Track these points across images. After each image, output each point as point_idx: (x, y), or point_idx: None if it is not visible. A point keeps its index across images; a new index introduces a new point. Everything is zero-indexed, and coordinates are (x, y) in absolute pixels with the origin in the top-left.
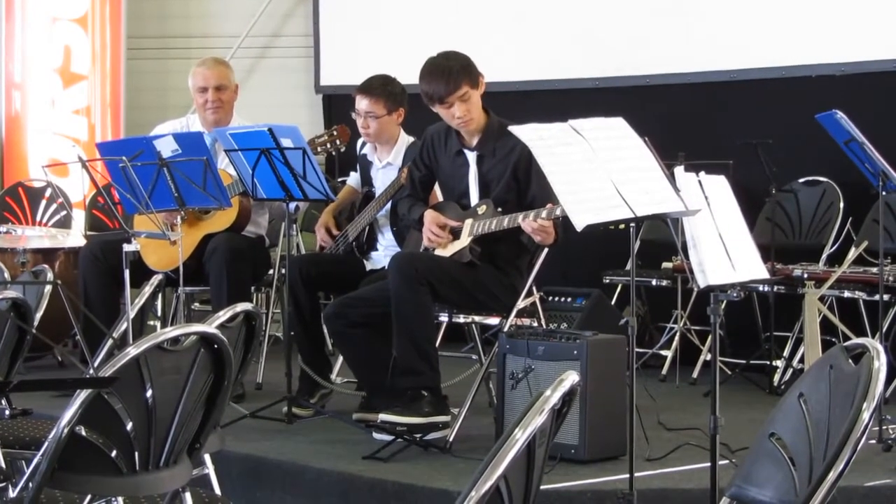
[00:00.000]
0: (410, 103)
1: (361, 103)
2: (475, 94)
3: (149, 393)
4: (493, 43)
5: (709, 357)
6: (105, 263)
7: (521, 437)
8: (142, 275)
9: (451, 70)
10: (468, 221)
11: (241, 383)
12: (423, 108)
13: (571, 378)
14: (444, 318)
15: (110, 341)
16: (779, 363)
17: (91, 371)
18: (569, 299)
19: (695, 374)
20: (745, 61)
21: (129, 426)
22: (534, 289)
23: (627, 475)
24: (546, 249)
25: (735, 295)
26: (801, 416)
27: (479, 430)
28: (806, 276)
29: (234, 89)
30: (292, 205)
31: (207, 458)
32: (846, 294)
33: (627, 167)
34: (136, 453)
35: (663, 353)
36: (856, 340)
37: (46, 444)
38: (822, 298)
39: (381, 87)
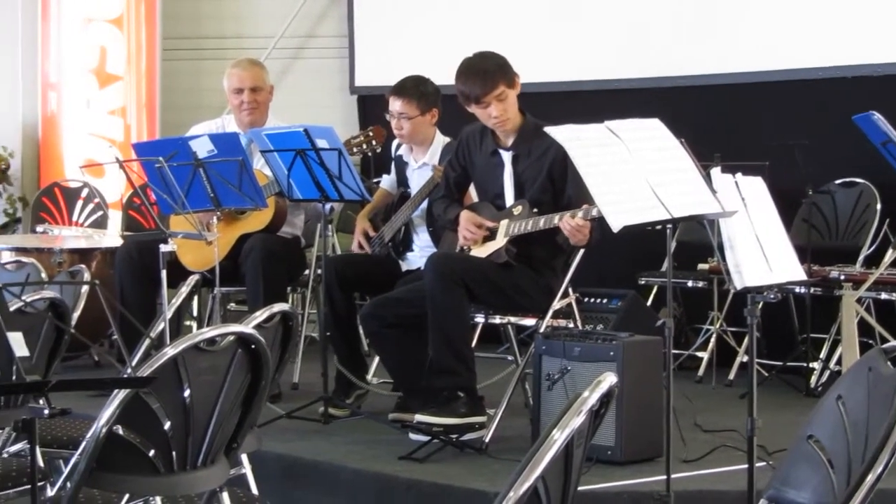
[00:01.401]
0: (446, 104)
1: (395, 105)
2: (511, 94)
3: (186, 393)
4: (529, 43)
5: (745, 359)
6: (141, 263)
7: (559, 437)
8: (178, 275)
9: (487, 70)
10: (504, 222)
11: (277, 383)
12: (458, 109)
13: (609, 379)
14: (479, 318)
15: (147, 341)
16: (815, 365)
17: (129, 371)
18: (604, 300)
19: (731, 376)
20: (781, 62)
21: (167, 426)
22: (570, 290)
23: (664, 477)
24: (582, 250)
25: (772, 296)
26: (839, 419)
27: (515, 431)
28: (843, 277)
29: (270, 90)
30: (328, 205)
31: (244, 458)
32: (883, 296)
33: (664, 168)
34: (174, 453)
35: (699, 354)
36: (894, 343)
37: (84, 443)
38: (859, 300)
39: (413, 87)
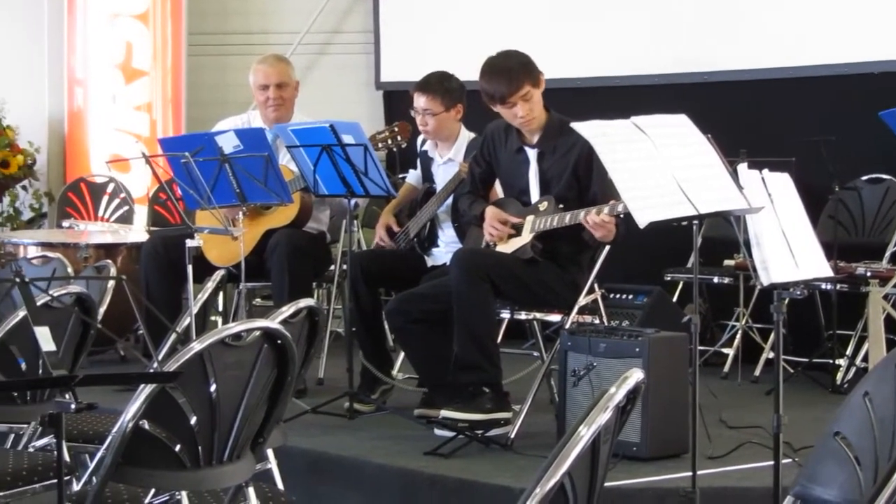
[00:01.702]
0: (470, 100)
1: (419, 101)
2: (536, 93)
3: (212, 388)
4: (554, 39)
5: (771, 355)
6: (167, 258)
7: (585, 434)
8: (203, 270)
9: (511, 70)
10: (529, 218)
11: (302, 379)
12: (483, 105)
13: (636, 375)
14: (505, 314)
15: (173, 336)
16: (841, 362)
17: (155, 365)
18: (630, 296)
19: (757, 372)
20: (807, 58)
21: (193, 421)
22: (595, 286)
23: (689, 473)
24: (607, 246)
25: (798, 293)
26: (865, 416)
27: (541, 427)
28: (869, 274)
29: (295, 86)
30: (352, 201)
31: (270, 452)
32: None
33: (690, 164)
34: (200, 448)
35: (725, 350)
36: None
37: (110, 437)
38: (885, 297)
39: (437, 83)
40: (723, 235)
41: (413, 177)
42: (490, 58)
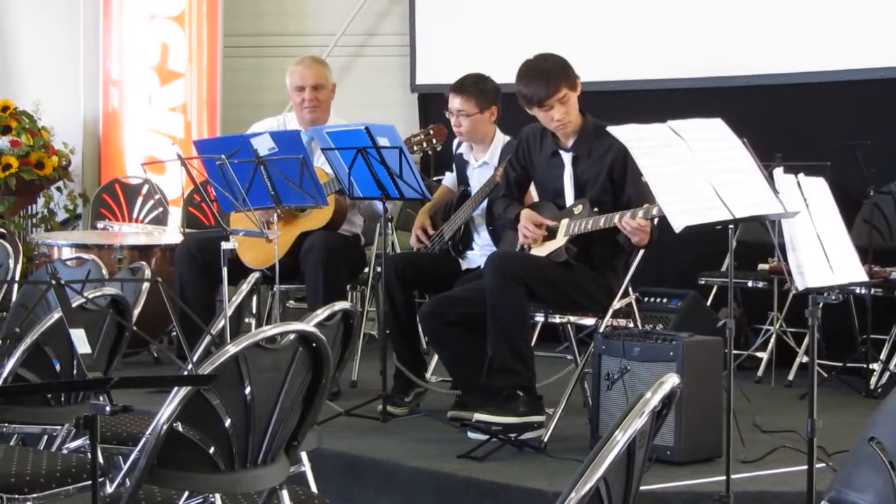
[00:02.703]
0: (505, 103)
1: (454, 102)
2: (573, 97)
3: (247, 390)
4: (589, 42)
5: (805, 359)
6: (201, 260)
7: (621, 438)
8: (238, 272)
9: (549, 72)
10: (564, 221)
11: (336, 381)
12: (518, 108)
13: (672, 380)
14: (539, 317)
15: (207, 338)
16: (875, 366)
17: (190, 368)
18: (664, 300)
19: (790, 377)
20: (842, 62)
21: (228, 423)
22: (629, 289)
23: (723, 477)
24: (642, 250)
25: (833, 298)
26: None
27: (574, 431)
28: None
29: (332, 88)
30: (384, 204)
31: (304, 455)
32: None
33: (726, 168)
34: (234, 450)
35: (759, 354)
36: None
37: (144, 440)
38: None
39: (472, 85)
40: (757, 239)
41: (449, 179)
42: (527, 60)
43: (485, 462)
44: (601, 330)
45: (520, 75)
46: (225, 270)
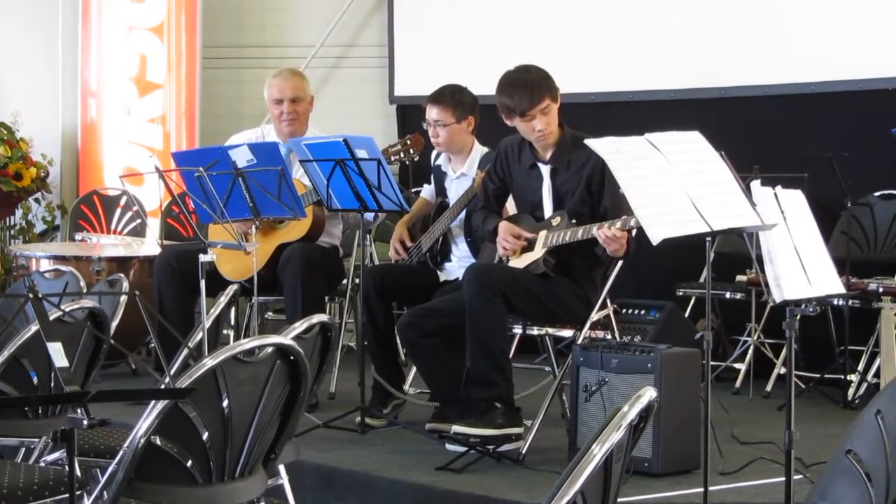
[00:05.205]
0: (484, 114)
1: (431, 112)
2: (554, 108)
3: (225, 403)
4: (567, 54)
5: (783, 371)
6: (180, 272)
7: (598, 452)
8: (216, 284)
9: (533, 83)
10: (542, 233)
11: (314, 393)
12: (496, 120)
13: (649, 394)
14: (517, 329)
15: (185, 351)
16: (853, 377)
17: (167, 380)
18: (642, 312)
19: (768, 388)
20: (820, 74)
21: (205, 436)
22: (608, 301)
23: (701, 489)
24: (620, 262)
25: (811, 310)
26: (878, 433)
27: (552, 442)
28: (881, 290)
29: (310, 101)
30: (369, 215)
31: (282, 468)
32: None
33: (704, 181)
34: (212, 463)
35: (737, 366)
36: None
37: (122, 453)
38: None
39: (450, 95)
40: (735, 251)
41: (427, 191)
42: (509, 72)
43: (463, 474)
44: (579, 341)
45: (502, 86)
46: (203, 283)
